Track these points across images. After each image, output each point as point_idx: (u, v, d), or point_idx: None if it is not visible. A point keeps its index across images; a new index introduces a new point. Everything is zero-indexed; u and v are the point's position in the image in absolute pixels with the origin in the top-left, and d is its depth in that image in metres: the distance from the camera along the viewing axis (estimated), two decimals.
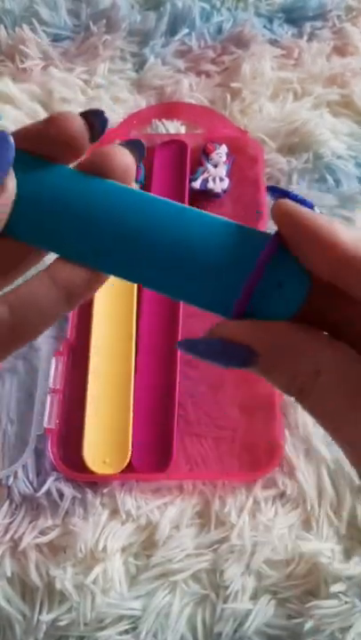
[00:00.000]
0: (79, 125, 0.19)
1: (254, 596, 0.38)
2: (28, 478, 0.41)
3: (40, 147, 0.20)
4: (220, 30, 0.61)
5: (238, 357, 0.18)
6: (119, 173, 0.20)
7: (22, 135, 0.20)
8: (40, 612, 0.38)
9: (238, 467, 0.41)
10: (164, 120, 0.55)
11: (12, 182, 0.19)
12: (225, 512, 0.39)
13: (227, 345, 0.19)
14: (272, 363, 0.18)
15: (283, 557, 0.38)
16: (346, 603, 0.37)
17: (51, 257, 0.20)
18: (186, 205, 0.20)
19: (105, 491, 0.41)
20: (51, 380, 0.44)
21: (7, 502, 0.41)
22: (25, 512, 0.40)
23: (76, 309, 0.46)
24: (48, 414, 0.42)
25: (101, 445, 0.41)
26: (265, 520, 0.39)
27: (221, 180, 0.51)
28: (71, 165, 0.21)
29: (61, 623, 0.37)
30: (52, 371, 0.44)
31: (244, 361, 0.18)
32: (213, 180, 0.51)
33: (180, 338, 0.44)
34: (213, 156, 0.52)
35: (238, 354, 0.18)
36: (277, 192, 0.20)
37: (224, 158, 0.52)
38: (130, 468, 0.41)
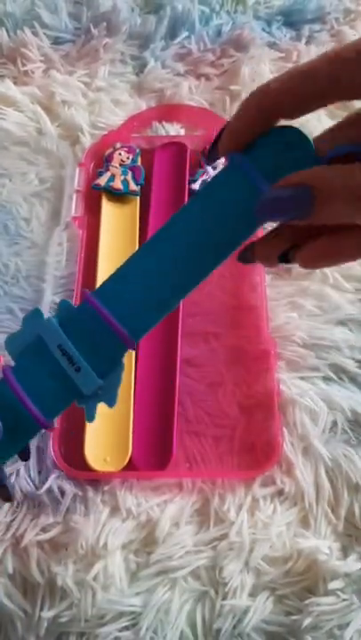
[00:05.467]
0: None
1: (253, 593, 0.38)
2: (29, 476, 0.42)
3: None
4: (219, 33, 0.62)
5: (303, 198, 0.22)
6: None
7: None
8: (41, 609, 0.38)
9: (237, 465, 0.41)
10: (163, 122, 0.55)
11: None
12: (224, 509, 0.40)
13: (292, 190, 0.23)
14: (329, 193, 0.22)
15: (281, 554, 0.38)
16: (344, 600, 0.37)
17: None
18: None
19: (106, 488, 0.41)
20: None
21: None
22: (27, 509, 0.41)
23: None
24: None
25: (102, 444, 0.42)
26: (263, 517, 0.39)
27: None
28: None
29: (62, 619, 0.37)
30: None
31: (308, 200, 0.22)
32: None
33: (180, 337, 0.45)
34: None
35: (302, 194, 0.22)
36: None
37: (223, 160, 0.52)
38: (130, 466, 0.41)
